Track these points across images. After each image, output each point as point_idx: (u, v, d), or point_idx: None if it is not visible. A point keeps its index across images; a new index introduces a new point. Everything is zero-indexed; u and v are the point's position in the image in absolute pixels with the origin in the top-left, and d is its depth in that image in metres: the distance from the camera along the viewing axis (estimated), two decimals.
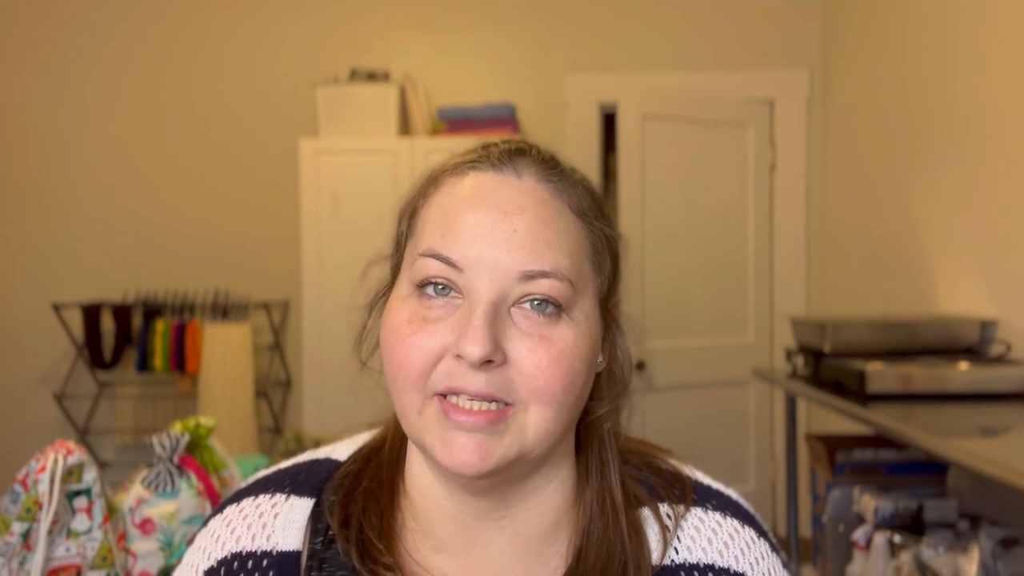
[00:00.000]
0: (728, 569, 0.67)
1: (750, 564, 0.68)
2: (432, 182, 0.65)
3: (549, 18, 3.65)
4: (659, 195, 3.37)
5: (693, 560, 0.67)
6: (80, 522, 1.14)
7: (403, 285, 0.63)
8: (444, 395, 0.60)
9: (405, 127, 3.38)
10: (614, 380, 0.71)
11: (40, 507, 1.10)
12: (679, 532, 0.68)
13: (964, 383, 1.90)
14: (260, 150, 3.66)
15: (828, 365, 2.14)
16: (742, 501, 0.74)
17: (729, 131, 3.54)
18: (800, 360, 2.39)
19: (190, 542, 0.76)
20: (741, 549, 0.68)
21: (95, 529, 1.14)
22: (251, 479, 0.74)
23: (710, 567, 0.67)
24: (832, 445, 2.27)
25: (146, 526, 1.20)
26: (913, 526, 1.92)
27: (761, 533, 0.71)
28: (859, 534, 1.99)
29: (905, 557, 1.79)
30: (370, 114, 3.30)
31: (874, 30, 3.08)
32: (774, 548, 0.72)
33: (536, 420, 0.60)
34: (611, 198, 4.23)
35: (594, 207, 0.66)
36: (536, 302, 0.60)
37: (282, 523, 0.67)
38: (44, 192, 3.69)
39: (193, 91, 3.69)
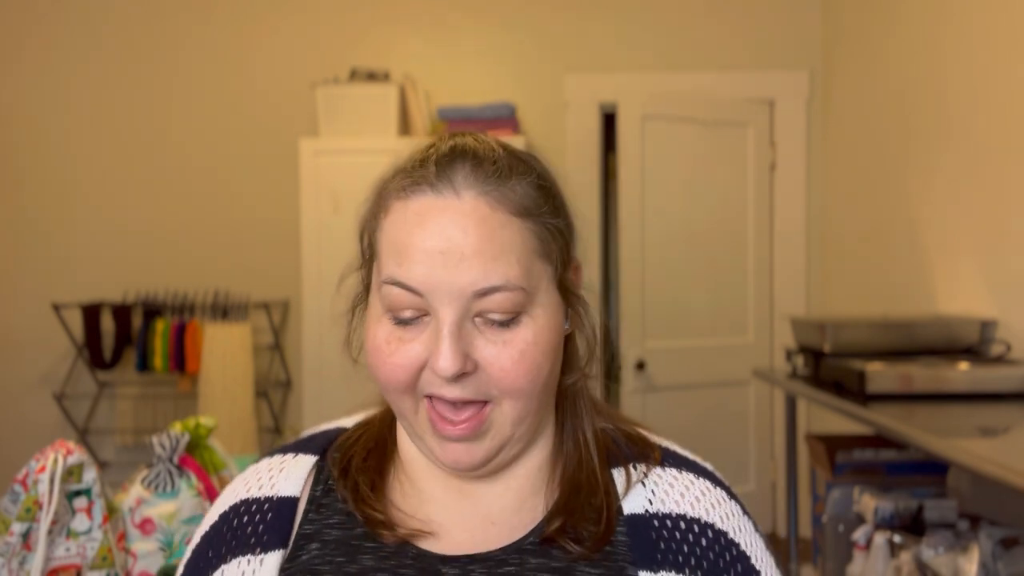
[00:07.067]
0: (699, 519, 0.72)
1: (720, 517, 0.73)
2: (381, 205, 0.70)
3: (549, 18, 3.65)
4: (659, 195, 3.37)
5: (666, 510, 0.72)
6: (80, 522, 1.14)
7: (376, 305, 0.70)
8: (431, 397, 0.68)
9: (405, 127, 3.38)
10: (581, 343, 0.77)
11: (40, 507, 1.10)
12: (653, 487, 0.74)
13: (964, 383, 1.90)
14: (260, 150, 3.66)
15: (828, 365, 2.14)
16: (716, 472, 0.79)
17: (729, 131, 3.54)
18: (800, 360, 2.39)
19: (190, 542, 0.78)
20: (712, 503, 0.74)
21: (95, 529, 1.15)
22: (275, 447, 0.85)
23: (682, 516, 0.72)
24: (832, 445, 2.27)
25: (146, 526, 1.20)
26: (913, 526, 1.92)
27: (732, 496, 0.77)
28: (859, 534, 1.99)
29: (905, 557, 1.79)
30: (370, 114, 3.30)
31: (874, 30, 3.08)
32: (745, 511, 0.77)
33: (509, 412, 0.68)
34: (611, 198, 4.24)
35: (537, 200, 0.68)
36: (493, 314, 0.66)
37: (285, 475, 0.76)
38: (44, 192, 3.69)
39: (193, 91, 3.69)
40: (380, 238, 0.69)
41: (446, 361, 0.64)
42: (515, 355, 0.66)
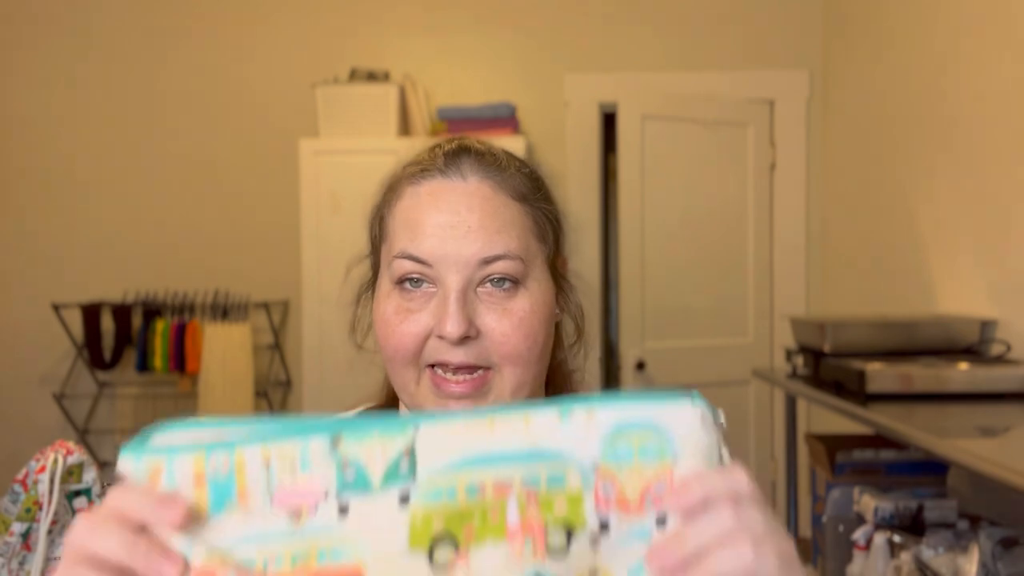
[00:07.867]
0: None
1: None
2: (393, 192, 0.78)
3: (549, 18, 3.65)
4: (659, 195, 3.37)
5: None
6: None
7: (385, 283, 0.77)
8: (433, 366, 0.74)
9: (405, 127, 3.38)
10: (569, 326, 0.85)
11: (40, 507, 1.10)
12: None
13: (964, 383, 1.90)
14: (260, 150, 3.66)
15: (828, 365, 2.14)
16: None
17: (729, 131, 3.54)
18: (800, 360, 2.39)
19: None
20: None
21: None
22: None
23: None
24: (832, 445, 2.27)
25: None
26: (913, 526, 1.92)
27: None
28: (859, 534, 1.99)
29: (905, 557, 1.79)
30: (370, 114, 3.30)
31: (874, 30, 3.08)
32: None
33: (510, 378, 0.74)
34: (611, 198, 4.24)
35: (532, 189, 0.78)
36: (496, 280, 0.73)
37: None
38: (44, 192, 3.69)
39: (192, 91, 3.68)
40: (391, 221, 0.77)
41: (453, 325, 0.70)
42: (515, 322, 0.73)
